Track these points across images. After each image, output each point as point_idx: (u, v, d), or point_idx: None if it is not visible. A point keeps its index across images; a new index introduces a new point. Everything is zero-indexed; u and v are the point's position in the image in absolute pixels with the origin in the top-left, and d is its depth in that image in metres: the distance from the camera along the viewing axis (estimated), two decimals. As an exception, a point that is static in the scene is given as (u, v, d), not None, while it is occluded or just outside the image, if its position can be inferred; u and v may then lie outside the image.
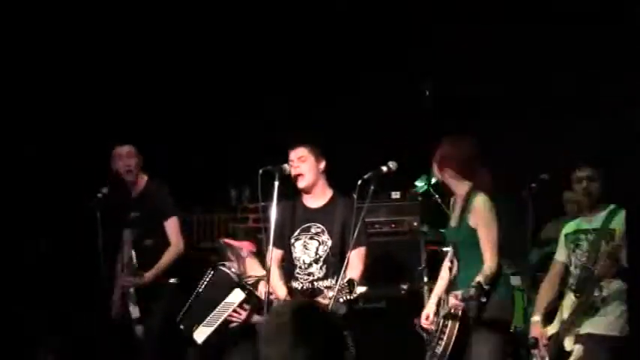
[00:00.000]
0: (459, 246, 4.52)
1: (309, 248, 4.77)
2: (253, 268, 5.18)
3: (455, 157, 4.48)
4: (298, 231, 4.80)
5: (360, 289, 5.08)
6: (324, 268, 4.73)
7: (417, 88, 6.23)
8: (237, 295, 5.01)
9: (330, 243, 4.71)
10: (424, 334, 4.61)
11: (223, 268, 5.16)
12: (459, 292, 4.25)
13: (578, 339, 4.28)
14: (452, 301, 4.30)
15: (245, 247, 5.21)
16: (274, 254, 4.66)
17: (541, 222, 4.89)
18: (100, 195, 5.26)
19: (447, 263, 4.63)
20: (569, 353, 4.30)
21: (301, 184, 4.76)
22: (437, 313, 4.56)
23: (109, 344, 5.43)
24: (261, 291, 4.87)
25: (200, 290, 5.16)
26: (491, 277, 4.26)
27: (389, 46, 6.35)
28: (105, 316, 5.40)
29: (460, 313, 4.34)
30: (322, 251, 4.73)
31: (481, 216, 4.41)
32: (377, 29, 6.34)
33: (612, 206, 4.42)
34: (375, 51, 6.40)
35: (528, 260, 4.97)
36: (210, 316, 5.06)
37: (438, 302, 4.58)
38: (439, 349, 4.42)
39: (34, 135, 6.09)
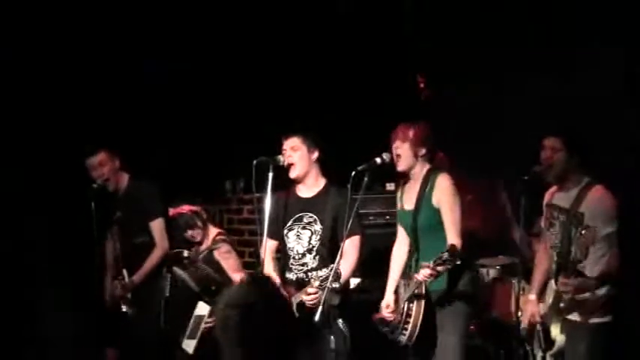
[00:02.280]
0: (418, 229, 4.51)
1: (302, 238, 4.78)
2: (211, 229, 5.40)
3: (428, 138, 4.51)
4: (291, 221, 4.82)
5: (354, 281, 5.13)
6: (317, 258, 4.75)
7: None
8: (202, 308, 5.11)
9: (321, 232, 4.72)
10: (384, 328, 4.61)
11: (178, 272, 5.19)
12: (429, 262, 4.19)
13: (563, 327, 4.24)
14: (424, 272, 4.22)
15: (198, 209, 5.32)
16: (268, 245, 4.70)
17: (534, 215, 4.89)
18: (95, 185, 5.27)
19: (401, 248, 4.64)
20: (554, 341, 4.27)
21: (292, 173, 4.77)
22: (396, 301, 4.56)
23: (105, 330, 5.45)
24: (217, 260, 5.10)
25: (167, 295, 5.17)
26: (458, 255, 4.18)
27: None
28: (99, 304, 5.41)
29: (424, 291, 4.34)
30: (315, 241, 4.75)
31: (447, 194, 4.42)
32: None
33: (585, 181, 4.27)
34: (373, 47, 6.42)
35: (522, 253, 4.97)
36: (189, 328, 5.12)
37: (396, 290, 4.60)
38: (405, 333, 4.42)
39: (37, 130, 6.08)
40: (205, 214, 5.40)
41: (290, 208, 4.84)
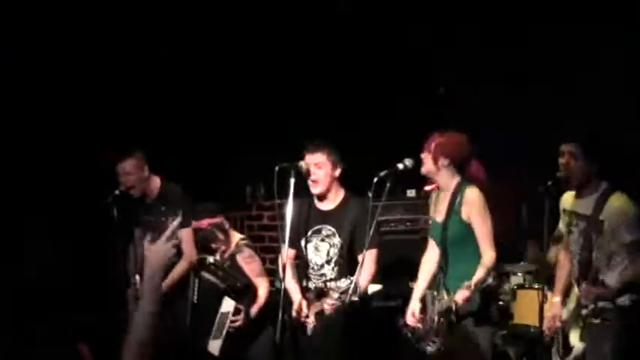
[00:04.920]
0: (447, 242, 4.47)
1: (321, 250, 4.79)
2: (234, 236, 5.32)
3: (454, 149, 4.45)
4: (310, 233, 4.81)
5: (374, 288, 5.12)
6: (335, 270, 4.76)
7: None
8: (228, 304, 5.08)
9: (339, 245, 4.73)
10: (409, 334, 4.58)
11: (206, 275, 5.15)
12: (469, 282, 4.19)
13: (583, 334, 4.20)
14: (462, 293, 4.22)
15: (223, 220, 5.27)
16: (288, 253, 4.73)
17: (557, 220, 4.85)
18: (116, 192, 5.24)
19: (431, 258, 4.61)
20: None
21: (315, 190, 4.77)
22: (422, 310, 4.55)
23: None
24: (240, 259, 5.10)
25: (195, 302, 5.11)
26: (493, 268, 4.21)
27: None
28: (120, 316, 5.37)
29: (455, 309, 4.31)
30: (333, 253, 4.76)
31: (476, 208, 4.38)
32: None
33: (604, 187, 4.22)
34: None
35: (546, 258, 4.93)
36: (214, 328, 5.09)
37: (422, 298, 4.58)
38: (434, 345, 4.41)
39: (50, 134, 6.09)
40: (227, 223, 5.35)
41: (309, 219, 4.83)
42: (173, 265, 5.16)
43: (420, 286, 4.65)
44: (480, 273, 4.23)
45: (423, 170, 4.53)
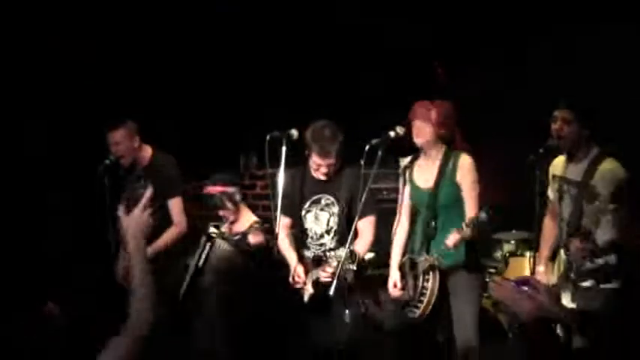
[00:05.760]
0: (438, 206, 4.52)
1: (320, 219, 4.80)
2: (245, 212, 5.27)
3: (452, 119, 4.50)
4: (309, 203, 4.81)
5: (368, 256, 5.13)
6: (335, 239, 4.78)
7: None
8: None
9: (337, 213, 4.74)
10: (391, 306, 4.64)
11: (219, 240, 5.13)
12: (458, 228, 4.28)
13: (574, 295, 4.23)
14: (454, 236, 4.29)
15: (236, 191, 5.23)
16: (283, 222, 4.73)
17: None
18: (107, 162, 5.26)
19: (403, 228, 4.68)
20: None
21: (329, 174, 4.75)
22: (403, 277, 4.60)
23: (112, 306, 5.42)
24: (251, 240, 5.02)
25: (199, 265, 5.12)
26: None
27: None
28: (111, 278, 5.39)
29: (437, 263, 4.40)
30: (333, 222, 4.77)
31: (471, 173, 4.46)
32: None
33: (595, 152, 4.26)
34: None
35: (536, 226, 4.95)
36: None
37: (400, 267, 4.63)
38: (418, 309, 4.47)
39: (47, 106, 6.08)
40: (238, 194, 5.28)
41: (307, 188, 4.82)
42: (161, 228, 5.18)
43: (396, 255, 4.70)
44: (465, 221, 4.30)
45: (422, 140, 4.51)
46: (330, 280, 4.46)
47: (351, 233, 4.48)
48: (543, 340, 2.60)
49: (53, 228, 6.10)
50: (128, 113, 5.45)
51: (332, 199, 4.78)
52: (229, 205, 5.20)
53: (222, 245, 5.13)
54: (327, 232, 4.80)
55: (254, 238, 5.14)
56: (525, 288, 3.23)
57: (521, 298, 2.68)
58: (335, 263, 4.44)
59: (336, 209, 4.76)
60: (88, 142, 5.68)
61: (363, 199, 4.46)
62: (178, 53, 6.45)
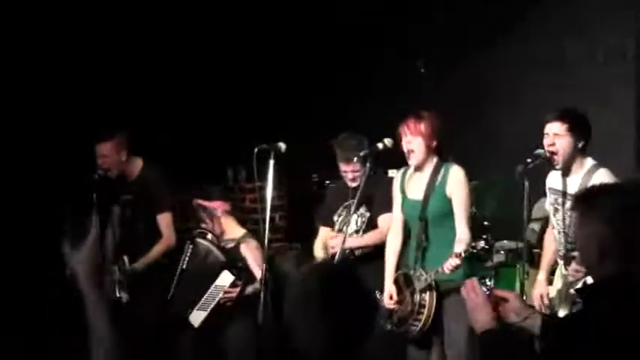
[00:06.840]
0: (428, 217, 4.49)
1: (351, 222, 4.95)
2: (230, 227, 5.23)
3: (440, 131, 4.49)
4: (341, 208, 5.07)
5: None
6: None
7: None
8: (226, 278, 5.02)
9: (367, 215, 4.95)
10: (387, 324, 4.58)
11: (202, 241, 5.14)
12: (457, 251, 4.24)
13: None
14: (452, 261, 4.24)
15: (218, 206, 5.19)
16: (323, 233, 5.15)
17: (537, 198, 4.87)
18: (95, 176, 5.23)
19: (397, 238, 4.68)
20: None
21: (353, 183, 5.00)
22: (400, 291, 4.58)
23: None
24: (244, 253, 5.08)
25: (184, 267, 5.14)
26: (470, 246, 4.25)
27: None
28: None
29: (434, 283, 4.38)
30: (361, 222, 4.98)
31: (461, 186, 4.44)
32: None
33: (589, 164, 4.19)
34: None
35: (525, 237, 4.94)
36: (203, 299, 5.05)
37: (395, 279, 4.63)
38: (418, 324, 4.44)
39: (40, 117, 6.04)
40: (220, 211, 5.22)
41: (340, 197, 5.10)
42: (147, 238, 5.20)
43: (390, 267, 4.67)
44: (462, 245, 4.25)
45: (416, 159, 4.50)
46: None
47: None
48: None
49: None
50: (117, 125, 5.43)
51: (359, 202, 4.83)
52: (205, 218, 5.21)
53: (207, 245, 5.14)
54: (357, 232, 4.98)
55: (249, 247, 5.13)
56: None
57: (481, 309, 2.61)
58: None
59: (363, 210, 4.96)
60: (77, 153, 5.65)
61: (380, 200, 4.75)
62: (167, 65, 6.44)
